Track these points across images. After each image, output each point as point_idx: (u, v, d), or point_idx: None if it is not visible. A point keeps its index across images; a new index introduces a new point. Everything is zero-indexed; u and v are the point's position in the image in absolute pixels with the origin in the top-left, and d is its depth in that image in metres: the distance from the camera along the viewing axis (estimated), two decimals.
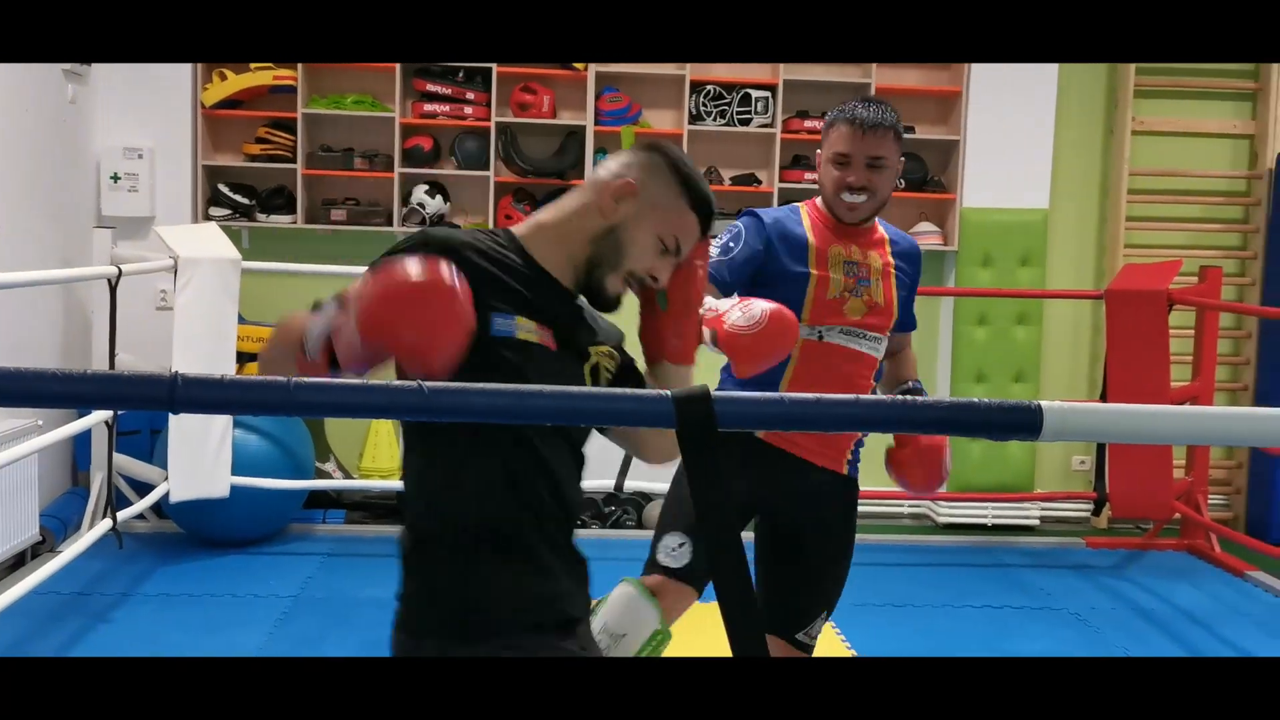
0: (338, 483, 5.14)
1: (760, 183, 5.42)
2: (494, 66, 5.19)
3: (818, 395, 1.07)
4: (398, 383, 1.02)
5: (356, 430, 5.40)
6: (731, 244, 2.37)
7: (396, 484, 5.04)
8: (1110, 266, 5.45)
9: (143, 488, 4.67)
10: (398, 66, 5.17)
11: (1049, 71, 5.38)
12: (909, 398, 1.07)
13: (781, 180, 5.36)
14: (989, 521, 5.43)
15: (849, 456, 2.52)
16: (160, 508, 4.76)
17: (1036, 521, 5.48)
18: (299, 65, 5.13)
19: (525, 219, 1.72)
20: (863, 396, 1.07)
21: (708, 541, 1.09)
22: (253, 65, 5.14)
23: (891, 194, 2.43)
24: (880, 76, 5.36)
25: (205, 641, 3.63)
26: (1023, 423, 1.09)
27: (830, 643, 3.79)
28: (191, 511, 4.53)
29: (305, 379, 0.99)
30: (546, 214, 1.69)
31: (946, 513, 5.42)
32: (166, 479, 4.38)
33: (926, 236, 5.44)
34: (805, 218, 2.43)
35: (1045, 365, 5.55)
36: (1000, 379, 5.36)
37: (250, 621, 3.86)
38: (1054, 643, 3.94)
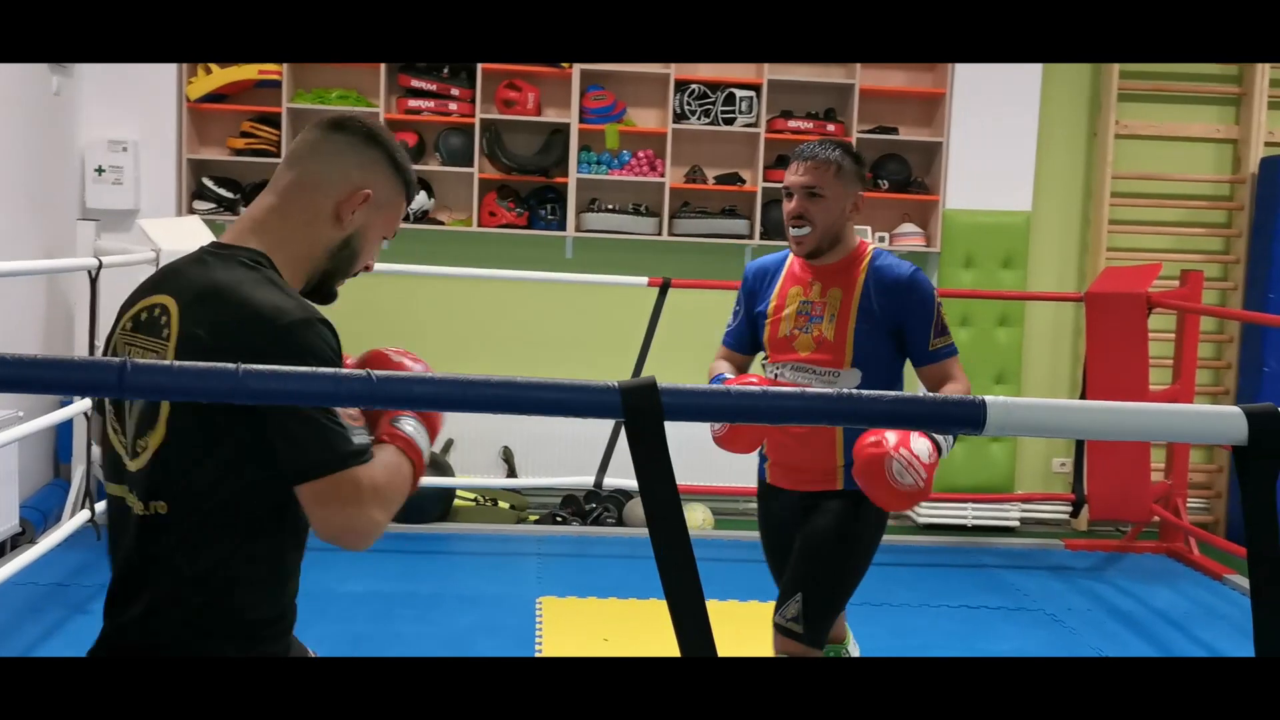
0: None
1: (744, 182, 5.43)
2: (478, 63, 5.20)
3: (764, 388, 1.08)
4: (345, 371, 1.03)
5: None
6: (736, 307, 2.77)
7: None
8: (1092, 269, 5.47)
9: None
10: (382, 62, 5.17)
11: (1033, 74, 5.40)
12: (853, 391, 1.09)
13: (765, 179, 5.37)
14: (969, 522, 5.45)
15: (840, 474, 2.56)
16: None
17: (1016, 523, 5.50)
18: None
19: (243, 224, 1.57)
20: (808, 390, 1.08)
21: (654, 533, 1.10)
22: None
23: (837, 226, 2.51)
24: (864, 78, 5.39)
25: None
26: (967, 416, 1.11)
27: None
28: None
29: (253, 366, 1.00)
30: (275, 229, 1.55)
31: (926, 513, 5.45)
32: None
33: (909, 238, 5.46)
34: (788, 261, 2.66)
35: (1027, 367, 5.57)
36: (982, 380, 5.38)
37: None
38: (1029, 643, 3.96)
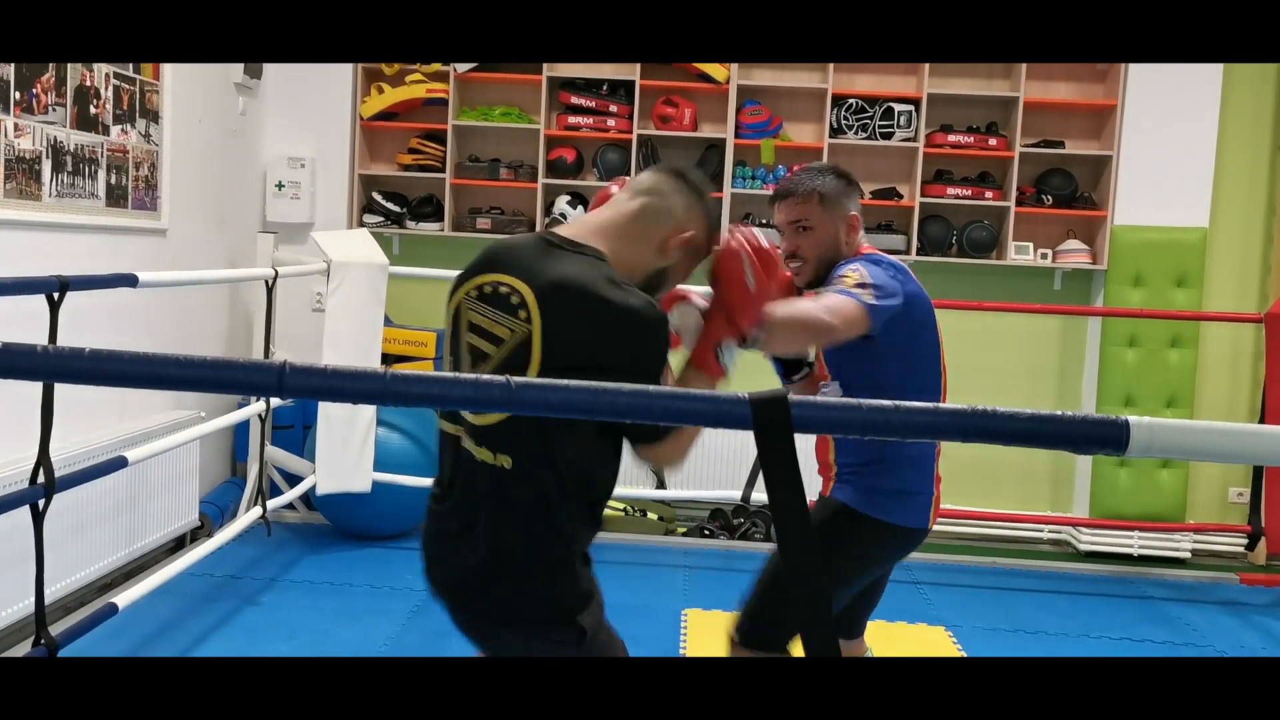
0: None
1: (901, 197, 5.35)
2: (637, 80, 5.28)
3: (895, 403, 1.07)
4: (486, 377, 1.07)
5: None
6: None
7: None
8: (1275, 289, 5.17)
9: (294, 480, 4.92)
10: (544, 79, 5.31)
11: (1212, 82, 5.15)
12: (989, 408, 1.07)
13: (923, 195, 5.28)
14: (1135, 551, 5.21)
15: (832, 478, 2.47)
16: (309, 499, 5.01)
17: (1187, 554, 5.23)
18: (451, 79, 5.33)
19: (584, 227, 1.82)
20: (941, 406, 1.07)
21: (781, 542, 1.11)
22: (407, 79, 5.36)
23: (831, 252, 2.39)
24: (1029, 90, 5.24)
25: (343, 630, 3.79)
26: (1108, 437, 1.08)
27: None
28: (336, 504, 4.74)
29: (401, 372, 1.06)
30: (613, 240, 1.80)
31: (1089, 539, 5.23)
32: (314, 472, 4.60)
33: (1073, 255, 5.27)
34: None
35: (1201, 390, 5.30)
36: (1150, 403, 5.15)
37: (385, 612, 4.02)
38: None
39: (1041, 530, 5.42)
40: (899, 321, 2.27)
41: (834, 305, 2.17)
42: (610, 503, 5.33)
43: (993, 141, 5.25)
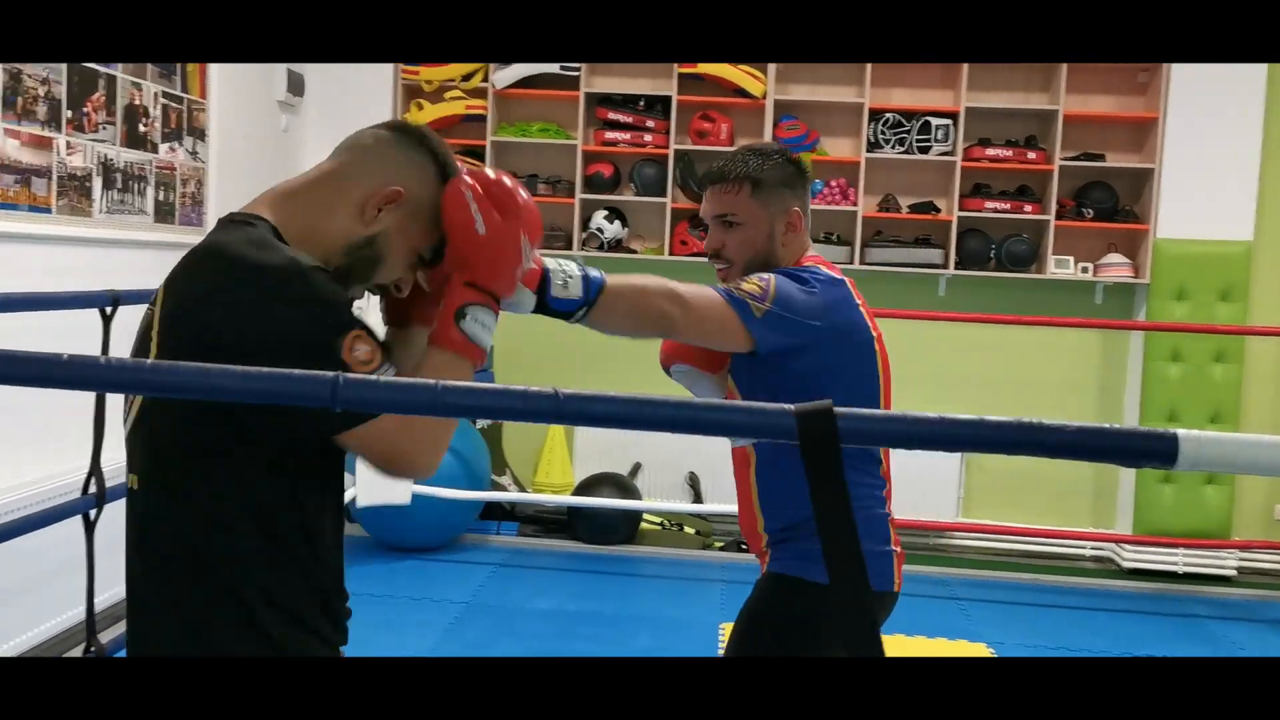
0: (512, 495, 5.31)
1: (939, 211, 5.33)
2: (674, 95, 5.30)
3: (941, 415, 1.07)
4: (534, 389, 1.08)
5: (532, 446, 5.58)
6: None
7: (568, 499, 5.17)
8: None
9: None
10: (581, 95, 5.34)
11: (1255, 93, 5.09)
12: (1037, 420, 1.07)
13: (961, 209, 5.26)
14: (1180, 569, 5.14)
15: (763, 541, 2.02)
16: (349, 512, 5.05)
17: (1233, 572, 5.16)
18: (489, 95, 5.38)
19: (260, 198, 1.44)
20: (986, 419, 1.07)
21: (829, 557, 1.11)
22: (446, 95, 5.42)
23: (763, 254, 1.99)
24: (1069, 103, 5.21)
25: (384, 640, 3.82)
26: (1156, 450, 1.07)
27: None
28: (376, 517, 4.79)
29: (453, 383, 1.07)
30: (301, 210, 1.41)
31: (1132, 557, 5.17)
32: (355, 485, 4.65)
33: (1115, 269, 5.23)
34: None
35: (1246, 405, 5.23)
36: (1194, 418, 5.09)
37: (426, 624, 4.05)
38: None
39: (1084, 547, 5.36)
40: (825, 349, 1.87)
41: (695, 297, 1.79)
42: (648, 517, 5.36)
43: (1031, 155, 5.23)
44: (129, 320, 2.98)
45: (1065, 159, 5.23)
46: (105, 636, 2.86)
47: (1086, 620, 4.45)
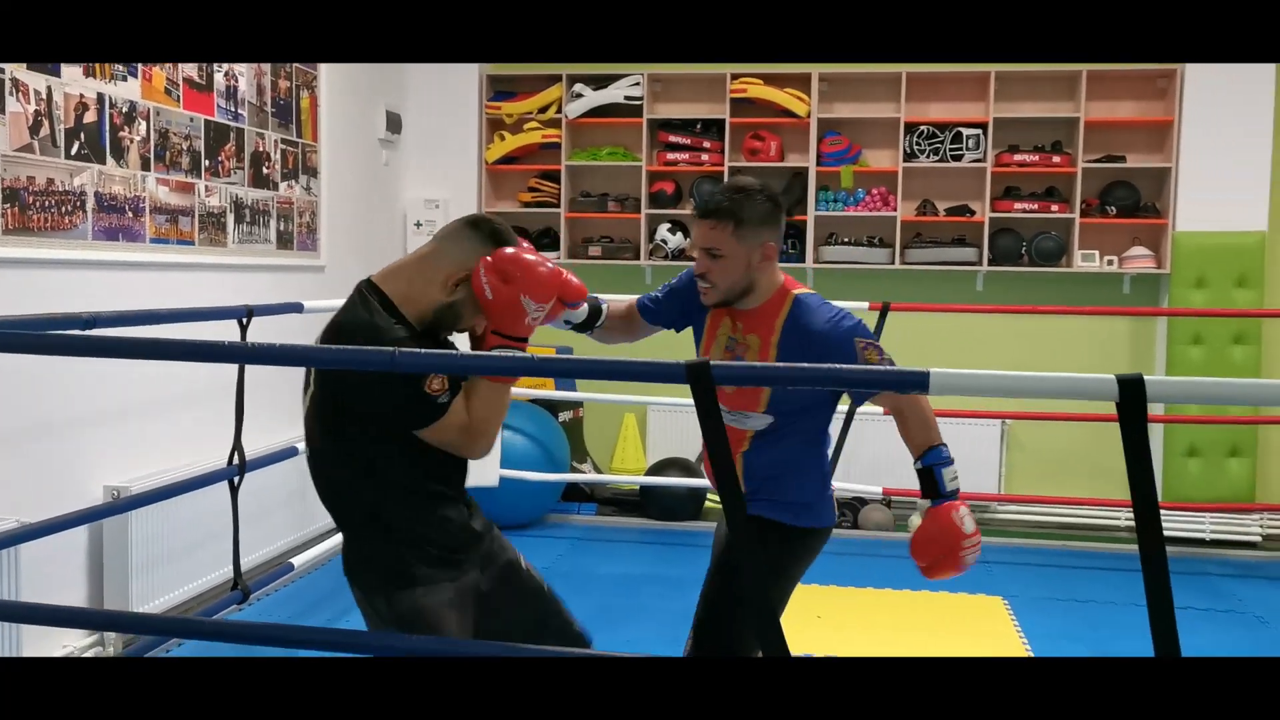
0: (589, 477, 5.95)
1: (973, 213, 5.82)
2: (727, 118, 5.90)
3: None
4: (502, 354, 1.69)
5: (609, 433, 6.24)
6: (667, 287, 2.61)
7: (641, 479, 5.80)
8: None
9: None
10: (644, 121, 5.98)
11: (1265, 92, 5.45)
12: (832, 366, 1.64)
13: (993, 210, 5.74)
14: (1207, 536, 5.52)
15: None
16: None
17: (1258, 538, 5.52)
18: (563, 125, 6.05)
19: (388, 269, 2.09)
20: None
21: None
22: (525, 127, 6.11)
23: (742, 281, 2.37)
24: (1091, 110, 5.65)
25: None
26: (917, 380, 1.64)
27: (1006, 630, 4.17)
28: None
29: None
30: (405, 283, 2.04)
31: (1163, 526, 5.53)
32: None
33: (1138, 260, 5.65)
34: None
35: None
36: None
37: None
38: (1223, 640, 4.11)
39: (1117, 516, 5.76)
40: None
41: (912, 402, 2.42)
42: (711, 496, 5.92)
43: (1057, 159, 5.68)
44: (259, 329, 3.71)
45: (1089, 161, 5.67)
46: (249, 579, 3.60)
47: (1103, 578, 4.87)
